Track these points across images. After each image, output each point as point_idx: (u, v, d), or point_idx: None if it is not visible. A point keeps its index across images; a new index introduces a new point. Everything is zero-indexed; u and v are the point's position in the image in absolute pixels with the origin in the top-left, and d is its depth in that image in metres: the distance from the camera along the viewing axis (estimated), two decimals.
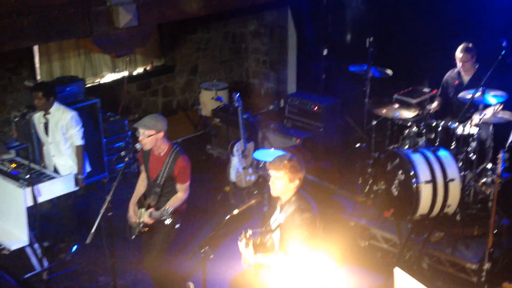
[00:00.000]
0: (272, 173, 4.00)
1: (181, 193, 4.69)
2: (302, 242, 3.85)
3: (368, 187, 6.47)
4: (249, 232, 4.05)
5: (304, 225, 3.88)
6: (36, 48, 7.50)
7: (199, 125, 8.82)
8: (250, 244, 4.00)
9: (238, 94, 6.71)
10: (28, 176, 5.36)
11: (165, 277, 4.95)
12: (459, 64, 6.34)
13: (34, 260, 5.53)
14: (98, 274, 5.59)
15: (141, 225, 4.67)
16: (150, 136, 4.53)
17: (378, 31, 7.34)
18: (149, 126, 4.53)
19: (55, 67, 7.79)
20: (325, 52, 8.27)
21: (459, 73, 6.47)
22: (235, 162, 6.81)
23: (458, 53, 6.30)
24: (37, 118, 5.85)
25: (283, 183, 3.98)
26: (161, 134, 4.57)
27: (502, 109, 5.88)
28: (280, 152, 6.49)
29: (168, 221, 4.43)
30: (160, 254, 4.82)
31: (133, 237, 4.76)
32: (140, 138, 4.55)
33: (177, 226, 4.77)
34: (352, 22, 8.47)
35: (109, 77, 8.41)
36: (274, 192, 4.05)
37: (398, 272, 4.11)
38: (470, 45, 6.26)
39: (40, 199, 5.37)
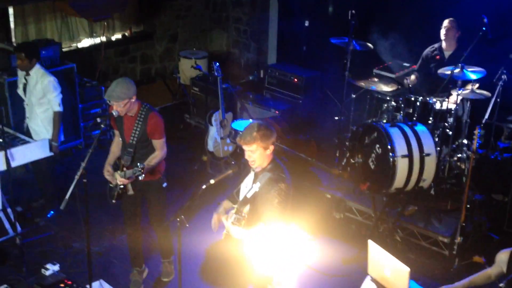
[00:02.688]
0: (245, 147, 3.95)
1: (158, 151, 4.63)
2: (276, 212, 3.84)
3: (345, 160, 6.51)
4: (233, 215, 4.02)
5: (278, 196, 3.83)
6: (11, 10, 7.31)
7: (177, 94, 8.74)
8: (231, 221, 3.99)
9: (218, 63, 6.64)
10: (1, 140, 5.26)
11: (169, 236, 5.05)
12: (443, 31, 6.37)
13: (7, 225, 5.48)
14: (72, 240, 5.56)
15: (118, 187, 4.63)
16: (124, 105, 4.47)
17: (360, 4, 7.29)
18: (122, 97, 4.44)
19: (31, 30, 7.61)
20: (306, 23, 8.20)
21: (440, 48, 6.49)
22: (213, 132, 6.78)
23: (445, 22, 6.39)
24: (20, 76, 5.75)
25: (259, 153, 3.93)
26: (133, 98, 4.51)
27: (479, 87, 5.94)
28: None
29: (141, 177, 4.37)
30: (161, 214, 4.89)
31: (113, 201, 4.72)
32: (114, 107, 4.47)
33: (164, 185, 4.77)
34: None
35: (86, 42, 8.25)
36: (253, 164, 4.00)
37: (371, 244, 4.17)
38: (457, 21, 6.32)
39: (14, 164, 5.28)
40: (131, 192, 4.71)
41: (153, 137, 4.62)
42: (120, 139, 4.75)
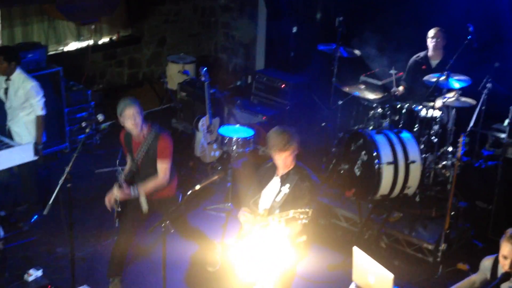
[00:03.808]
0: (281, 154, 3.99)
1: (161, 175, 4.61)
2: (315, 202, 3.96)
3: (331, 166, 6.52)
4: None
5: (308, 194, 3.96)
6: None
7: (165, 99, 8.71)
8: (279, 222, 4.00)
9: (206, 68, 6.63)
10: None
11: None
12: (430, 41, 6.39)
13: None
14: (56, 245, 5.51)
15: (117, 208, 4.62)
16: (137, 114, 4.48)
17: (348, 11, 7.33)
18: (132, 102, 4.48)
19: (17, 33, 7.55)
20: (294, 30, 8.23)
21: (426, 57, 6.53)
22: (200, 137, 6.76)
23: (431, 31, 6.39)
24: (0, 81, 5.70)
25: (291, 158, 4.02)
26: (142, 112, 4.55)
27: (463, 94, 5.98)
28: (245, 129, 6.48)
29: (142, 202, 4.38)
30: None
31: (116, 224, 4.70)
32: (132, 120, 4.47)
33: (180, 198, 4.70)
34: (323, 1, 8.44)
35: (73, 45, 8.20)
36: (285, 168, 4.06)
37: (356, 251, 4.17)
38: (444, 29, 6.35)
39: None
40: (145, 208, 4.66)
41: (159, 157, 4.58)
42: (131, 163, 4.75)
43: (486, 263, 4.01)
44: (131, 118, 4.46)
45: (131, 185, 4.57)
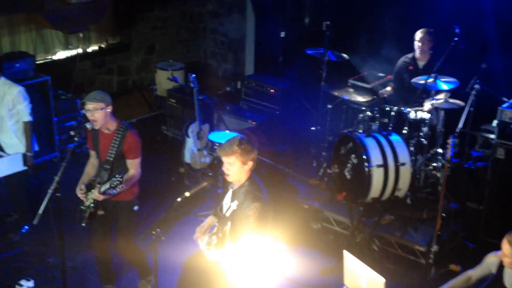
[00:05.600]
0: (224, 159, 3.94)
1: (132, 170, 4.58)
2: (252, 232, 3.83)
3: (322, 170, 6.53)
4: (205, 238, 4.04)
5: (254, 215, 3.82)
6: None
7: (154, 106, 8.70)
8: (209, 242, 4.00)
9: (194, 75, 6.63)
10: None
11: (141, 256, 4.96)
12: (417, 44, 6.41)
13: None
14: (47, 256, 5.47)
15: (90, 207, 4.57)
16: (101, 110, 4.42)
17: (336, 16, 7.36)
18: (98, 99, 4.43)
19: (5, 42, 7.51)
20: (282, 34, 8.25)
21: (414, 58, 6.56)
22: (190, 144, 6.75)
23: (418, 33, 6.40)
24: None
25: (236, 167, 3.92)
26: (110, 108, 4.47)
27: (451, 96, 6.01)
28: (235, 135, 6.48)
29: (118, 188, 4.33)
30: (128, 238, 4.77)
31: (83, 223, 4.65)
32: (90, 114, 4.44)
33: (135, 208, 4.69)
34: (310, 5, 8.47)
35: (61, 54, 8.17)
36: (229, 178, 3.99)
37: (346, 255, 4.18)
38: (431, 30, 6.37)
39: None
40: (101, 212, 4.64)
41: (128, 156, 4.57)
42: (96, 159, 4.71)
43: (493, 258, 4.06)
44: (89, 112, 4.44)
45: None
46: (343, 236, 5.91)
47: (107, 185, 4.41)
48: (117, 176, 4.33)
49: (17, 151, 5.56)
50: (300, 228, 6.01)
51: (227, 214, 4.02)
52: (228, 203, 4.08)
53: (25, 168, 5.57)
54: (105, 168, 4.56)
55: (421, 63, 6.53)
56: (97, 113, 4.43)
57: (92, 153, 4.76)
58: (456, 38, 5.84)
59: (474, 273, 4.18)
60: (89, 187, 4.66)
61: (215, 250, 3.97)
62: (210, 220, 4.31)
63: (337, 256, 5.31)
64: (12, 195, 5.91)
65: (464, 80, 6.07)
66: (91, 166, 4.78)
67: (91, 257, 5.20)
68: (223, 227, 4.03)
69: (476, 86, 6.09)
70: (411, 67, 6.53)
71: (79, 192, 4.62)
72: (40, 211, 4.11)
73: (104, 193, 4.45)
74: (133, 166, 4.60)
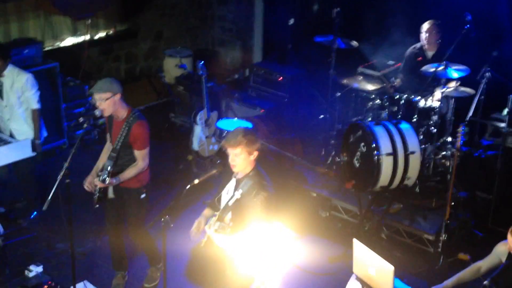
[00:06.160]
0: (230, 150, 3.94)
1: (139, 161, 4.57)
2: (260, 220, 3.83)
3: (330, 158, 6.51)
4: (216, 222, 4.03)
5: (262, 204, 3.83)
6: None
7: (162, 93, 8.68)
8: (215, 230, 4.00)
9: (203, 62, 6.60)
10: None
11: (151, 243, 4.98)
12: (424, 36, 6.35)
13: None
14: (56, 241, 5.50)
15: (97, 192, 4.58)
16: (108, 100, 4.39)
17: (345, 3, 7.28)
18: (104, 88, 4.40)
19: (13, 29, 7.50)
20: (291, 21, 8.19)
21: (422, 48, 6.50)
22: (198, 131, 6.74)
23: (425, 25, 6.34)
24: None
25: (243, 158, 3.92)
26: (118, 96, 4.43)
27: (461, 84, 5.96)
28: (243, 122, 6.47)
29: (107, 181, 4.34)
30: (137, 224, 4.78)
31: (95, 206, 4.67)
32: (98, 103, 4.42)
33: (142, 196, 4.69)
34: None
35: (69, 41, 8.16)
36: (235, 169, 3.99)
37: (356, 243, 4.17)
38: (439, 21, 6.31)
39: None
40: (111, 195, 4.65)
41: (135, 147, 4.54)
42: (110, 143, 4.70)
43: (502, 247, 4.05)
44: (97, 102, 4.42)
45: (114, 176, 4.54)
46: (351, 224, 5.90)
47: (104, 175, 4.43)
48: (109, 169, 4.35)
49: (28, 138, 5.58)
50: (308, 216, 6.01)
51: (230, 204, 4.02)
52: (231, 193, 4.07)
53: (34, 154, 5.58)
54: (112, 156, 4.55)
55: (429, 53, 6.46)
56: (104, 103, 4.41)
57: (107, 136, 4.76)
58: (467, 26, 5.78)
59: (484, 263, 4.17)
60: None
61: (223, 236, 3.97)
62: (207, 212, 4.29)
63: (346, 244, 5.30)
64: (20, 182, 5.94)
65: (475, 68, 6.02)
66: (105, 151, 4.77)
67: (100, 243, 5.23)
68: (224, 216, 4.03)
69: (487, 74, 6.04)
70: (420, 58, 6.47)
71: (88, 182, 4.63)
72: (49, 197, 4.12)
73: (103, 181, 4.45)
74: (140, 157, 4.57)
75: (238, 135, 3.90)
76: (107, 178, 4.38)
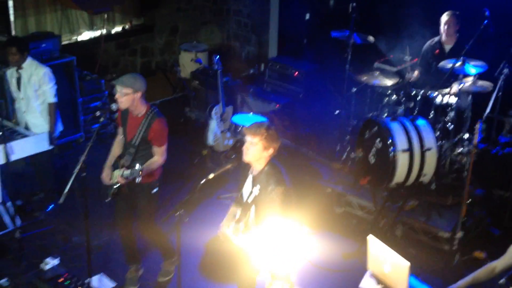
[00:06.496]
0: (248, 138, 3.95)
1: (157, 157, 4.59)
2: (276, 215, 3.83)
3: (345, 154, 6.48)
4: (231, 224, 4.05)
5: (279, 198, 3.84)
6: (11, 3, 7.27)
7: (178, 87, 8.71)
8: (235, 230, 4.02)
9: (218, 57, 6.61)
10: (0, 133, 5.24)
11: (162, 238, 4.98)
12: (443, 28, 6.31)
13: (6, 219, 5.47)
14: (72, 234, 5.55)
15: (114, 187, 4.60)
16: (127, 95, 4.41)
17: None
18: (126, 83, 4.42)
19: (31, 23, 7.58)
20: (307, 16, 8.16)
21: (440, 42, 6.44)
22: (213, 126, 6.75)
23: (444, 16, 6.29)
24: (10, 73, 5.70)
25: (256, 149, 3.93)
26: (139, 94, 4.46)
27: (480, 78, 5.89)
28: (258, 117, 6.47)
29: (138, 180, 4.35)
30: (148, 219, 4.80)
31: (108, 199, 4.69)
32: (117, 95, 4.44)
33: (154, 190, 4.71)
34: None
35: (86, 35, 8.22)
36: (246, 157, 4.00)
37: (371, 239, 4.14)
38: (458, 12, 6.25)
39: (13, 157, 5.27)
40: (126, 190, 4.67)
41: (154, 143, 4.57)
42: (123, 137, 4.72)
43: None
44: (117, 93, 4.44)
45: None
46: (366, 220, 5.87)
47: (128, 172, 4.44)
48: (138, 166, 4.34)
49: (42, 131, 5.63)
50: (323, 211, 5.99)
51: (249, 201, 4.03)
52: (249, 189, 4.07)
53: (51, 147, 5.63)
54: (130, 151, 4.57)
55: (447, 47, 6.41)
56: (124, 97, 4.44)
57: (120, 130, 4.77)
58: (486, 21, 5.71)
59: (499, 263, 4.12)
60: (114, 166, 4.69)
61: (243, 236, 3.99)
62: (232, 210, 4.31)
63: (360, 240, 5.29)
64: (37, 174, 6.00)
65: (493, 64, 5.95)
66: (117, 145, 4.79)
67: (116, 237, 5.27)
68: (246, 214, 4.04)
69: (505, 70, 5.97)
70: (437, 51, 6.42)
71: (105, 176, 4.64)
72: (66, 190, 4.15)
73: (126, 178, 4.47)
74: (159, 153, 4.60)
75: (262, 126, 3.93)
76: (137, 176, 4.33)
